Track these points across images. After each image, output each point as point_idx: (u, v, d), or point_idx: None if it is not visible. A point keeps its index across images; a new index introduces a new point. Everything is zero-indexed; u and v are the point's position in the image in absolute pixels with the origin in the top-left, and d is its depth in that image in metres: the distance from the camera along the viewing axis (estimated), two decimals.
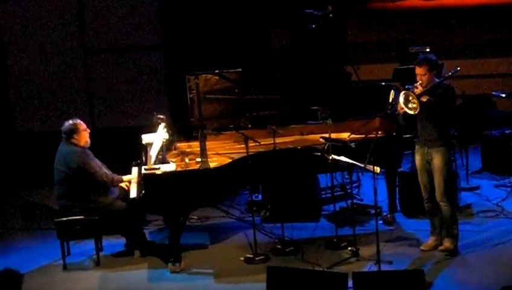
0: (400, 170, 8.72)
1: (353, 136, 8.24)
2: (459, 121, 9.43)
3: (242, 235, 8.56)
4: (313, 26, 10.86)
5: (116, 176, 8.17)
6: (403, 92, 7.33)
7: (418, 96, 7.29)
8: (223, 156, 8.26)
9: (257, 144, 8.07)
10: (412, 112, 7.31)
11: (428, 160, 7.60)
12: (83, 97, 11.71)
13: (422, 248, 7.82)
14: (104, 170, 8.11)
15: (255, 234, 7.94)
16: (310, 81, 8.79)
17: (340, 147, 7.75)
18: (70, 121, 8.07)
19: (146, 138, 8.21)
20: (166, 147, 8.19)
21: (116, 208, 8.00)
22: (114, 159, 8.59)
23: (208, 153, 7.84)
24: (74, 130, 8.01)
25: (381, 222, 8.40)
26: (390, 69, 10.15)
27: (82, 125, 8.08)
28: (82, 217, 7.87)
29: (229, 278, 7.56)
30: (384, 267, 7.23)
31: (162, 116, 8.26)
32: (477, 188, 9.47)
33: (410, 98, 7.30)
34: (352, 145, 7.71)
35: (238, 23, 11.61)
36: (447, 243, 7.67)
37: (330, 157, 7.67)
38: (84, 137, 8.08)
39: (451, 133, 7.78)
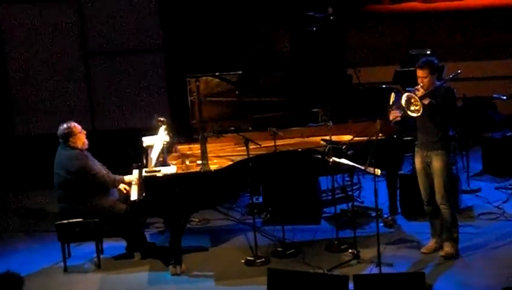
0: (400, 172, 8.72)
1: (355, 138, 8.23)
2: (459, 123, 9.42)
3: (243, 238, 8.55)
4: (314, 28, 10.86)
5: (117, 176, 8.16)
6: (405, 94, 7.30)
7: (420, 99, 7.27)
8: (224, 159, 8.26)
9: (258, 146, 8.07)
10: (414, 115, 7.29)
11: (428, 162, 7.58)
12: (84, 99, 11.72)
13: (423, 250, 7.80)
14: (104, 171, 8.10)
15: (256, 237, 7.93)
16: (310, 83, 8.78)
17: (341, 149, 7.74)
18: (65, 125, 8.00)
19: (147, 141, 8.20)
20: (167, 150, 8.19)
21: (116, 211, 7.98)
22: (114, 162, 8.57)
23: (209, 155, 7.83)
24: (69, 133, 7.96)
25: (381, 224, 8.39)
26: (391, 72, 10.15)
27: (77, 127, 8.01)
28: (82, 219, 7.86)
29: (230, 281, 7.56)
30: (385, 270, 7.22)
31: (162, 119, 8.26)
32: (478, 190, 9.47)
33: (413, 100, 7.27)
34: (349, 152, 7.66)
35: (239, 25, 11.62)
36: (447, 248, 7.64)
37: (331, 160, 7.67)
38: (81, 139, 8.02)
39: (451, 136, 7.76)
